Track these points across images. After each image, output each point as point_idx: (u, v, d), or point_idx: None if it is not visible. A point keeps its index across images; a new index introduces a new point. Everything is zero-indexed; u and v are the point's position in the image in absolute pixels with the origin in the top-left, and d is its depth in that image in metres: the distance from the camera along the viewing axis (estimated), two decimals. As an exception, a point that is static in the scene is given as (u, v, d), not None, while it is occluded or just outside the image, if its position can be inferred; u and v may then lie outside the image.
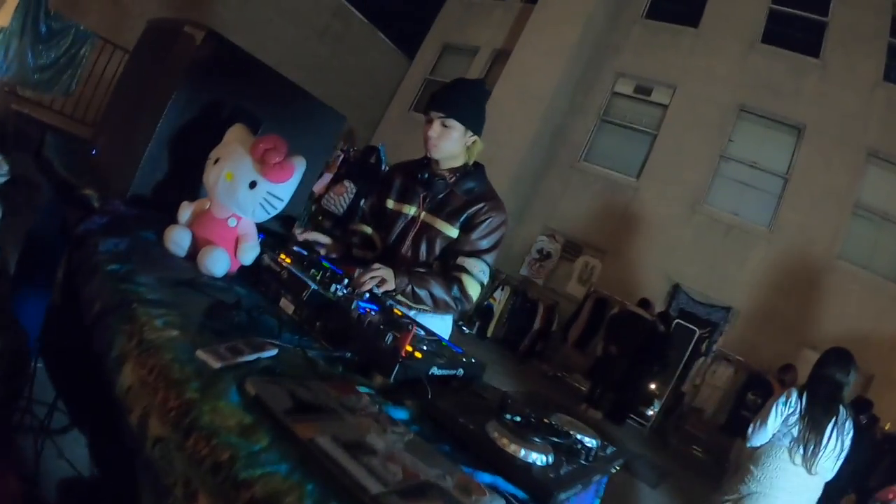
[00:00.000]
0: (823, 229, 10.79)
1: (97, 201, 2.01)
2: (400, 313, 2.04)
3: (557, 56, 12.69)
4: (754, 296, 10.95)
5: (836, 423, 3.76)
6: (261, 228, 2.02)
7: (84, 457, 2.16)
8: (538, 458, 1.32)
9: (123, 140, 2.38)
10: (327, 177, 9.37)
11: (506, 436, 1.34)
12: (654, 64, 12.93)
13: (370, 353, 1.54)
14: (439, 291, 2.33)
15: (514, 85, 12.63)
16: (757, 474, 3.90)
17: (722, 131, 12.00)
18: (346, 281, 1.90)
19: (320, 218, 8.98)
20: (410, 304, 2.32)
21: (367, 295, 1.99)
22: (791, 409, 3.84)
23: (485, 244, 2.44)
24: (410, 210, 2.52)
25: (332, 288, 1.80)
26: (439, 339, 2.00)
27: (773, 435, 3.88)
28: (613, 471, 1.71)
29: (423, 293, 2.29)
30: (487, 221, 2.43)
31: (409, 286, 2.25)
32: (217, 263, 1.78)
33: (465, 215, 2.44)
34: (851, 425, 3.84)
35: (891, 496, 4.46)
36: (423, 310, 2.37)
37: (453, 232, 2.44)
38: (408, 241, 2.49)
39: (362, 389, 1.36)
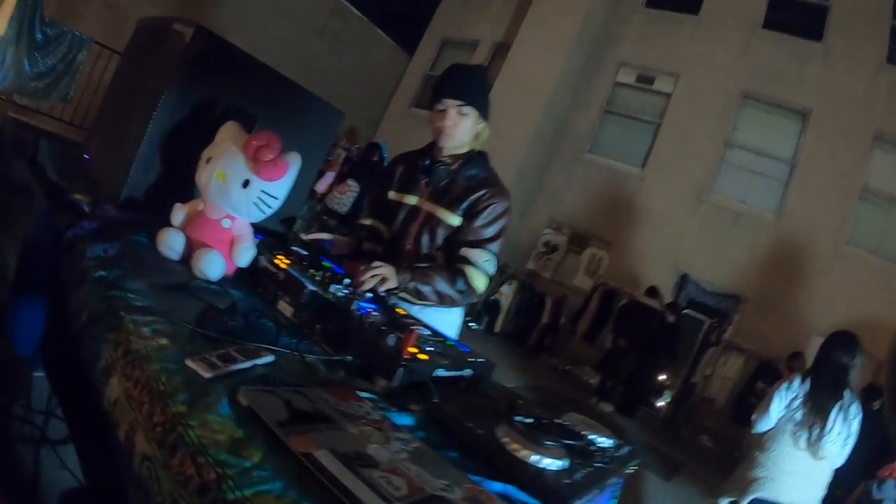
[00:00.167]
0: (831, 215, 10.68)
1: (88, 206, 1.95)
2: (403, 312, 1.98)
3: (558, 48, 12.61)
4: (763, 284, 10.86)
5: (841, 406, 3.73)
6: (259, 229, 1.96)
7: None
8: (552, 463, 1.26)
9: (115, 143, 2.32)
10: (330, 176, 9.35)
11: (517, 440, 1.28)
12: (656, 53, 12.83)
13: (372, 356, 1.47)
14: (443, 286, 2.26)
15: (515, 78, 12.57)
16: (762, 460, 3.89)
17: (726, 119, 11.91)
18: (346, 281, 1.84)
19: (325, 217, 8.96)
20: (415, 300, 2.26)
21: (369, 295, 1.93)
22: (794, 394, 3.83)
23: (489, 232, 2.35)
24: (412, 199, 2.46)
25: (332, 288, 1.74)
26: (445, 339, 1.93)
27: (778, 420, 3.86)
28: (629, 472, 1.65)
29: (426, 289, 2.23)
30: (490, 208, 2.35)
31: (412, 283, 2.19)
32: (212, 266, 1.71)
33: (466, 202, 2.36)
34: (858, 409, 3.81)
35: (886, 473, 4.42)
36: (429, 305, 2.31)
37: (455, 220, 2.36)
38: (411, 232, 2.43)
39: (364, 395, 1.29)
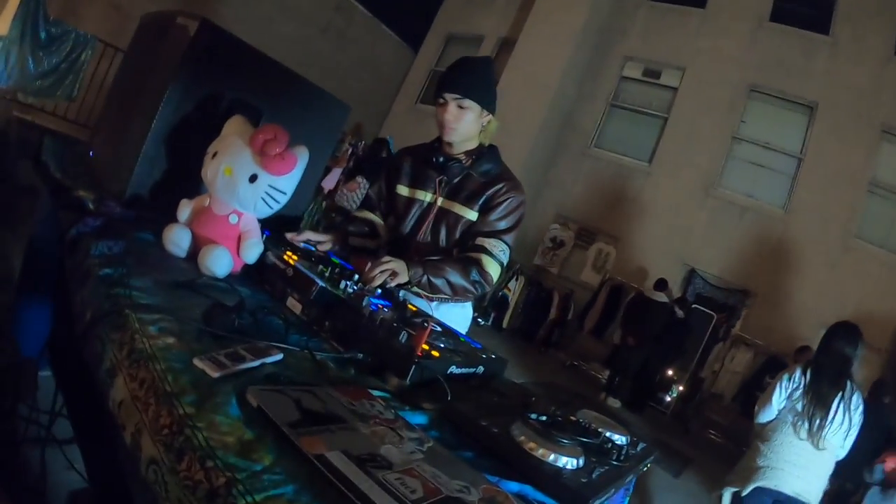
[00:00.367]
0: (839, 208, 10.63)
1: (92, 203, 1.92)
2: (414, 308, 1.95)
3: (563, 42, 12.57)
4: (771, 278, 10.82)
5: (842, 397, 3.73)
6: (266, 224, 1.93)
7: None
8: (568, 462, 1.22)
9: (119, 139, 2.29)
10: (336, 172, 9.32)
11: (533, 439, 1.25)
12: (662, 46, 12.78)
13: (384, 354, 1.44)
14: (456, 278, 2.23)
15: (521, 73, 12.52)
16: (764, 450, 3.89)
17: (733, 112, 11.86)
18: (356, 277, 1.81)
19: (333, 214, 8.93)
20: (427, 294, 2.23)
21: (379, 290, 1.90)
22: (796, 385, 3.84)
23: (504, 224, 2.36)
24: (426, 196, 2.43)
25: (342, 285, 1.70)
26: (457, 336, 1.90)
27: (780, 411, 3.88)
28: (644, 469, 1.62)
29: (439, 282, 2.20)
30: (507, 202, 2.35)
31: (425, 276, 2.15)
32: (218, 263, 1.68)
33: (483, 197, 2.36)
34: (860, 401, 3.81)
35: (880, 460, 4.48)
36: (442, 299, 2.29)
37: (473, 215, 2.36)
38: (425, 229, 2.41)
39: (376, 393, 1.26)
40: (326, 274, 1.76)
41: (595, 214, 12.61)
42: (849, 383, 3.78)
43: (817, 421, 3.72)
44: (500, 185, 2.36)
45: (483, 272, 2.28)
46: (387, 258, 2.04)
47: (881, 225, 10.55)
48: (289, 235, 2.17)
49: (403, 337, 1.45)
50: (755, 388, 9.45)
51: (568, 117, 13.16)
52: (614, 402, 9.37)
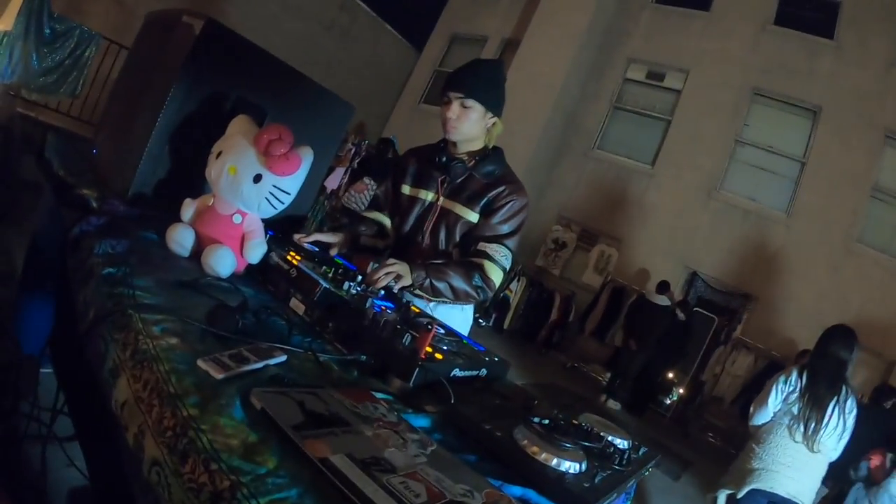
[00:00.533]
0: (842, 213, 10.63)
1: (96, 202, 1.92)
2: (417, 310, 1.94)
3: (567, 43, 12.57)
4: (773, 282, 10.81)
5: (837, 401, 3.76)
6: (270, 225, 1.93)
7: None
8: (571, 466, 1.22)
9: (123, 137, 2.29)
10: (339, 171, 9.30)
11: (535, 443, 1.25)
12: (666, 49, 12.78)
13: (387, 356, 1.43)
14: (459, 282, 2.22)
15: (525, 73, 12.52)
16: (759, 452, 3.94)
17: (737, 115, 11.85)
18: (359, 278, 1.81)
19: (338, 215, 8.91)
20: (429, 297, 2.23)
21: (383, 292, 1.90)
22: (791, 388, 3.87)
23: (506, 228, 2.34)
24: (428, 195, 2.43)
25: (346, 286, 1.70)
26: (460, 338, 1.90)
27: (775, 413, 3.93)
28: (646, 473, 1.62)
29: (441, 285, 2.19)
30: (509, 205, 2.34)
31: (427, 279, 2.15)
32: (222, 262, 1.67)
33: (485, 199, 2.35)
34: (854, 404, 3.84)
35: (870, 458, 4.54)
36: (444, 301, 2.29)
37: (473, 217, 2.35)
38: (426, 228, 2.40)
39: (379, 395, 1.26)
40: (330, 275, 1.76)
41: (597, 216, 12.60)
42: (844, 387, 3.81)
43: (813, 424, 3.75)
44: (502, 188, 2.36)
45: (486, 278, 2.27)
46: (391, 260, 2.03)
47: (884, 229, 10.55)
48: (297, 236, 2.17)
49: (407, 339, 1.45)
50: (755, 392, 9.41)
51: (571, 118, 13.16)
52: (614, 405, 9.37)
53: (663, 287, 9.80)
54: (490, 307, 11.54)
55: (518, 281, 11.88)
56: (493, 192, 2.35)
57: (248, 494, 0.79)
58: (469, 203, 2.35)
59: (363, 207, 8.68)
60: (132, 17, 9.90)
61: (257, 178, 1.72)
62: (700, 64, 12.38)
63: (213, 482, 0.82)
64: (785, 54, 11.71)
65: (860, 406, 3.90)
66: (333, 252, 2.31)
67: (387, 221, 2.60)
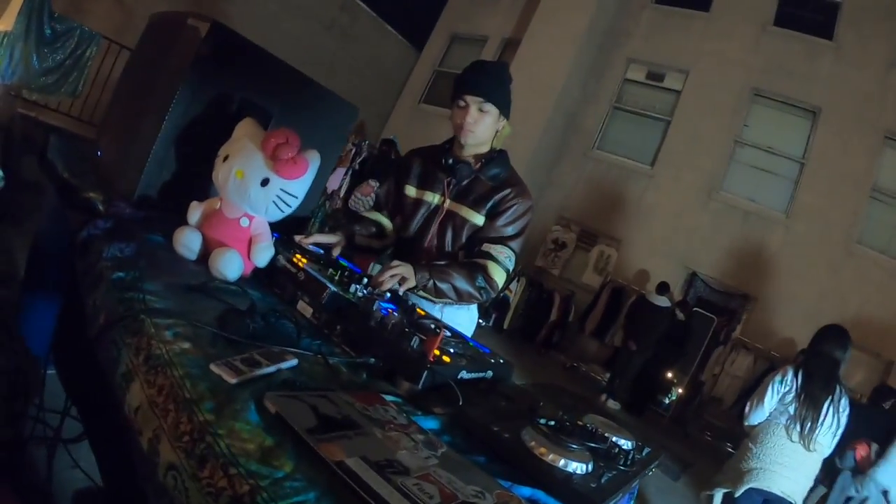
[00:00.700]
0: (841, 214, 10.65)
1: (102, 204, 1.92)
2: (423, 313, 1.95)
3: (567, 43, 12.57)
4: (772, 283, 10.83)
5: (832, 400, 3.80)
6: (274, 226, 1.93)
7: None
8: (578, 467, 1.23)
9: (128, 140, 2.29)
10: (340, 171, 9.30)
11: (543, 444, 1.26)
12: (666, 49, 12.79)
13: (395, 359, 1.44)
14: (462, 283, 2.23)
15: (525, 74, 12.48)
16: (756, 451, 3.97)
17: (736, 116, 11.87)
18: (365, 280, 1.81)
19: (340, 217, 8.90)
20: (433, 299, 2.23)
21: (389, 294, 1.90)
22: (787, 388, 3.90)
23: (510, 231, 2.35)
24: (434, 198, 2.43)
25: (352, 289, 1.71)
26: (466, 340, 1.91)
27: (771, 413, 3.96)
28: (649, 473, 1.63)
29: (445, 287, 2.20)
30: (514, 208, 2.35)
31: (431, 280, 2.16)
32: (229, 266, 1.68)
33: (491, 202, 2.36)
34: (847, 402, 3.89)
35: (856, 448, 4.61)
36: (447, 302, 2.29)
37: (480, 220, 2.36)
38: (432, 230, 2.41)
39: (388, 398, 1.27)
40: (336, 277, 1.77)
41: (597, 216, 12.61)
42: (837, 386, 3.85)
43: (809, 423, 3.79)
44: (507, 191, 2.36)
45: (489, 279, 2.28)
46: (395, 262, 2.04)
47: (883, 230, 10.56)
48: (297, 238, 2.17)
49: (415, 342, 1.45)
50: (752, 392, 9.46)
51: (571, 119, 13.16)
52: (614, 405, 9.37)
53: (663, 288, 9.81)
54: (490, 307, 11.54)
55: (518, 281, 11.89)
56: (499, 195, 2.36)
57: (268, 498, 0.80)
58: (475, 206, 2.36)
59: (368, 209, 8.66)
60: (133, 16, 9.92)
61: (265, 182, 1.72)
62: (700, 64, 12.39)
63: (232, 486, 0.83)
64: (785, 55, 11.72)
65: (856, 405, 3.96)
66: (335, 253, 2.31)
67: (386, 221, 2.59)
